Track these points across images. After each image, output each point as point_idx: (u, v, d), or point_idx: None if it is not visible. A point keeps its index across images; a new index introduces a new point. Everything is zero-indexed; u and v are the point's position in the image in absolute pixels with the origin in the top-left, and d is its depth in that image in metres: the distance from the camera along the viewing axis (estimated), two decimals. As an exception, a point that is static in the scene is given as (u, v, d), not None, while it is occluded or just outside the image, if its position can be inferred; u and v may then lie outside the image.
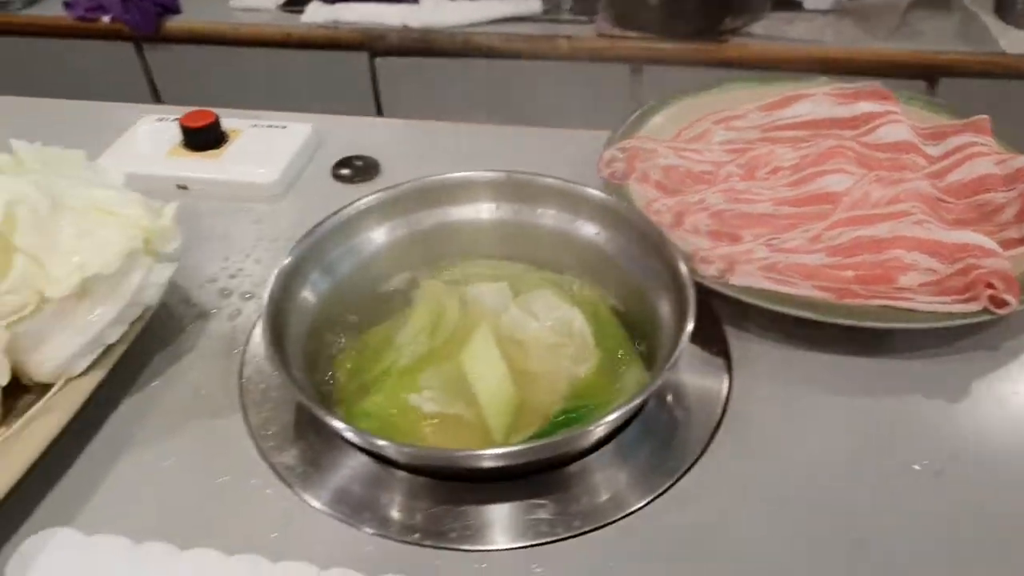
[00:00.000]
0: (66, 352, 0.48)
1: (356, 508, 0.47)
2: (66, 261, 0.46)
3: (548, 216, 0.57)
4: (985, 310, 0.51)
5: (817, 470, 0.47)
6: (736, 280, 0.54)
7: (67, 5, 1.59)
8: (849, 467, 0.47)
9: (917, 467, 0.47)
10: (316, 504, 0.47)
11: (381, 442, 0.45)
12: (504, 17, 1.50)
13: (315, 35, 1.54)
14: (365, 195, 0.55)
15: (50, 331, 0.47)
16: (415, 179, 0.56)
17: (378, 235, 0.57)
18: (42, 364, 0.48)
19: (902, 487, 0.46)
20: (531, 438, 0.51)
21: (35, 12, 1.61)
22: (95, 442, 0.50)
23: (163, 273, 0.51)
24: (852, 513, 0.44)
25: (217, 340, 0.56)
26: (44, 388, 0.51)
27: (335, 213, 0.54)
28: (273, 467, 0.49)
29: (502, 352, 0.56)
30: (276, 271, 0.51)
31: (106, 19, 1.57)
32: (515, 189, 0.57)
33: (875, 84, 0.68)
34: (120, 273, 0.48)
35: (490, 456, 0.46)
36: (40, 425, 0.47)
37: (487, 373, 0.55)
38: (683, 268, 0.51)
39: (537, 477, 0.49)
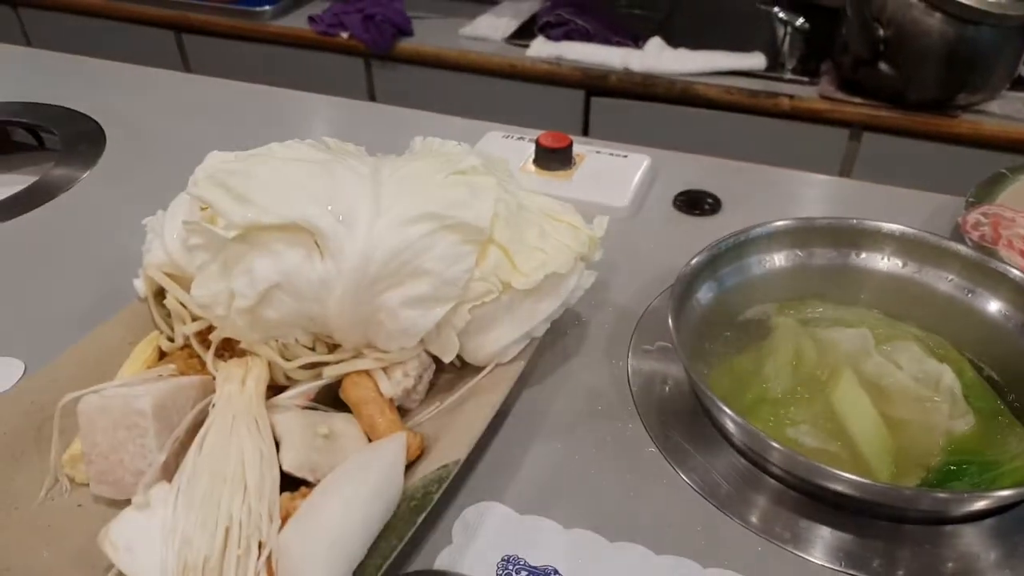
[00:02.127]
0: (505, 340, 0.52)
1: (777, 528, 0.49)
2: (532, 257, 0.51)
3: (941, 279, 0.59)
4: None
5: None
6: None
7: (311, 20, 1.72)
8: None
9: None
10: (739, 522, 0.49)
11: (826, 469, 0.47)
12: (727, 70, 1.54)
13: (538, 69, 1.61)
14: (770, 221, 0.59)
15: (500, 318, 0.52)
16: (825, 216, 0.60)
17: (768, 260, 0.60)
18: (481, 348, 0.53)
19: None
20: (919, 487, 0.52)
21: (282, 23, 1.74)
22: (507, 428, 0.54)
23: (589, 279, 0.55)
24: None
25: (596, 347, 0.60)
26: (456, 370, 0.56)
27: (736, 233, 0.58)
28: (678, 471, 0.51)
29: (869, 396, 0.57)
30: (682, 271, 0.55)
31: (344, 35, 1.68)
32: (916, 246, 0.59)
33: None
34: (567, 276, 0.52)
35: (876, 489, 0.47)
36: (478, 404, 0.52)
37: (860, 415, 0.56)
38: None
39: (904, 526, 0.49)
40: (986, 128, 1.38)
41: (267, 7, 1.73)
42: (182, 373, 0.52)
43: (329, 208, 0.48)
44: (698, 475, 0.52)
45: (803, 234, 0.61)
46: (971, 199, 0.68)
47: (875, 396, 0.58)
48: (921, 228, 0.61)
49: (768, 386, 0.58)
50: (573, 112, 1.64)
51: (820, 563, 0.46)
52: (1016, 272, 0.56)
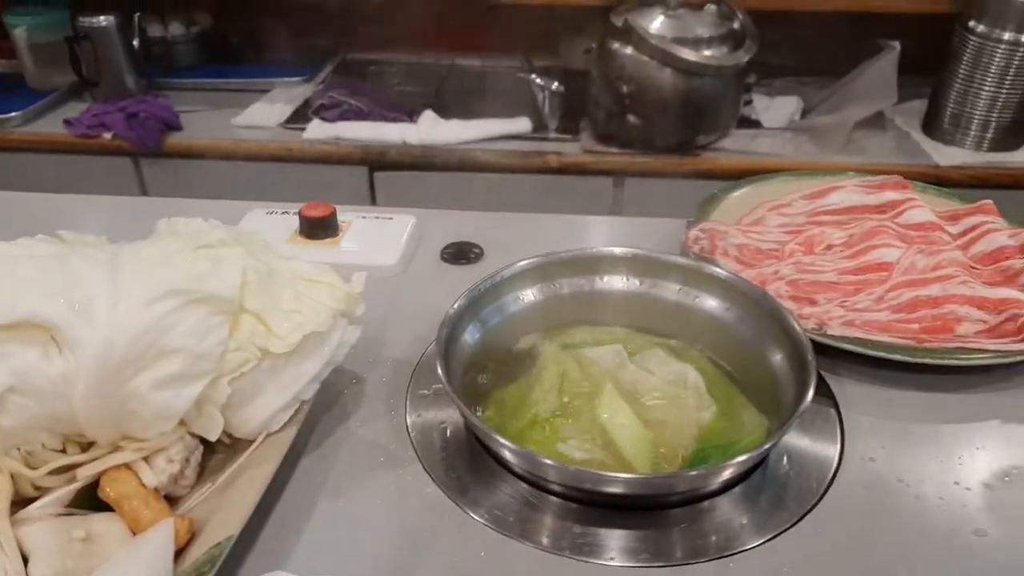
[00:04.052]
0: (272, 408, 0.52)
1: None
2: (289, 320, 0.51)
3: (670, 289, 0.66)
4: (1040, 348, 0.62)
5: (926, 489, 0.55)
6: (832, 331, 0.64)
7: (68, 123, 1.64)
8: (949, 471, 0.56)
9: (1009, 478, 0.56)
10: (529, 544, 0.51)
11: (564, 467, 0.51)
12: (497, 136, 1.64)
13: (316, 150, 1.63)
14: (517, 261, 0.63)
15: (262, 387, 0.52)
16: (567, 250, 0.65)
17: (523, 296, 0.65)
18: (248, 421, 0.52)
19: (1004, 492, 0.54)
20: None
21: (32, 128, 1.65)
22: (288, 494, 0.54)
23: (354, 334, 0.56)
24: (965, 505, 0.53)
25: (375, 401, 0.61)
26: (226, 447, 0.55)
27: (491, 275, 0.62)
28: (462, 507, 0.53)
29: (629, 404, 0.63)
30: (445, 316, 0.58)
31: (107, 136, 1.62)
32: (647, 265, 0.66)
33: (896, 176, 0.82)
34: (327, 334, 0.53)
35: (636, 481, 0.53)
36: (249, 478, 0.51)
37: (621, 422, 0.62)
38: (796, 324, 0.60)
39: (675, 510, 0.55)
40: (722, 162, 1.57)
41: (13, 113, 1.63)
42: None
43: (62, 300, 0.46)
44: (483, 507, 0.54)
45: (550, 268, 0.67)
46: (691, 219, 0.77)
47: (634, 403, 0.64)
48: (654, 248, 0.68)
49: (537, 409, 0.62)
50: (359, 188, 1.67)
51: (610, 564, 0.49)
52: (724, 273, 0.65)
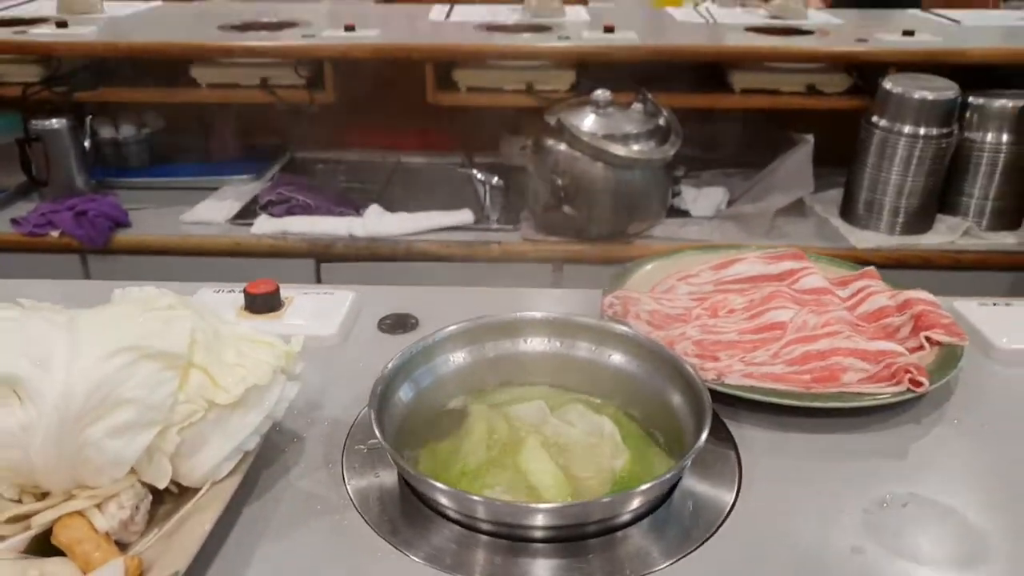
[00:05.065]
0: (217, 457, 0.59)
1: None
2: (233, 374, 0.58)
3: (585, 349, 0.75)
4: (908, 390, 0.72)
5: (812, 515, 0.63)
6: (730, 381, 0.73)
7: (15, 222, 1.70)
8: (833, 500, 0.64)
9: (886, 503, 0.64)
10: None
11: (476, 498, 0.58)
12: (441, 227, 1.75)
13: (263, 244, 1.72)
14: (448, 325, 0.72)
15: (209, 437, 0.58)
16: (492, 315, 0.74)
17: (453, 358, 0.73)
18: (195, 470, 0.58)
19: (880, 515, 0.63)
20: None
21: (-22, 229, 1.70)
22: (231, 540, 0.59)
23: (293, 389, 0.63)
24: (846, 527, 0.61)
25: (313, 456, 0.68)
26: (174, 497, 0.60)
27: (423, 338, 0.70)
28: (398, 548, 0.59)
29: (550, 454, 0.71)
30: (379, 375, 0.65)
31: (55, 234, 1.68)
32: (564, 327, 0.75)
33: (793, 248, 0.94)
34: (268, 387, 0.60)
35: (551, 511, 0.60)
36: (195, 523, 0.56)
37: (542, 471, 0.69)
38: (694, 373, 0.69)
39: (592, 540, 0.61)
40: (654, 248, 1.69)
41: (-40, 213, 1.69)
42: None
43: (23, 357, 0.53)
44: (418, 548, 0.60)
45: (478, 332, 0.75)
46: (606, 288, 0.87)
47: (556, 453, 0.71)
48: (571, 313, 0.77)
49: (467, 461, 0.69)
50: (306, 279, 1.74)
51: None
52: (631, 332, 0.74)
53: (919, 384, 0.72)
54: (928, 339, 0.79)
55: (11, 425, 0.52)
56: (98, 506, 0.55)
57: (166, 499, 0.60)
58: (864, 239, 1.75)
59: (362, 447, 0.69)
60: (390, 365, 0.68)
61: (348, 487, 0.65)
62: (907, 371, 0.73)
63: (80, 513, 0.55)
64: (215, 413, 0.58)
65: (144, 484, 0.58)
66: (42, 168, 1.75)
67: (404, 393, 0.71)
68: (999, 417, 0.75)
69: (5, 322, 0.55)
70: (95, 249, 1.69)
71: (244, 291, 0.83)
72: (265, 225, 1.74)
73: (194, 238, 1.73)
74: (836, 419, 0.73)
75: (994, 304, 0.90)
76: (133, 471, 0.57)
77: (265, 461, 0.66)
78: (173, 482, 0.59)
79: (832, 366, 0.76)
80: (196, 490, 0.59)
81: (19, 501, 0.55)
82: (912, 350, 0.79)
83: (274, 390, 0.61)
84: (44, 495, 0.56)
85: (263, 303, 0.82)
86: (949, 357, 0.77)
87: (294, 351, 0.64)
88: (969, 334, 0.82)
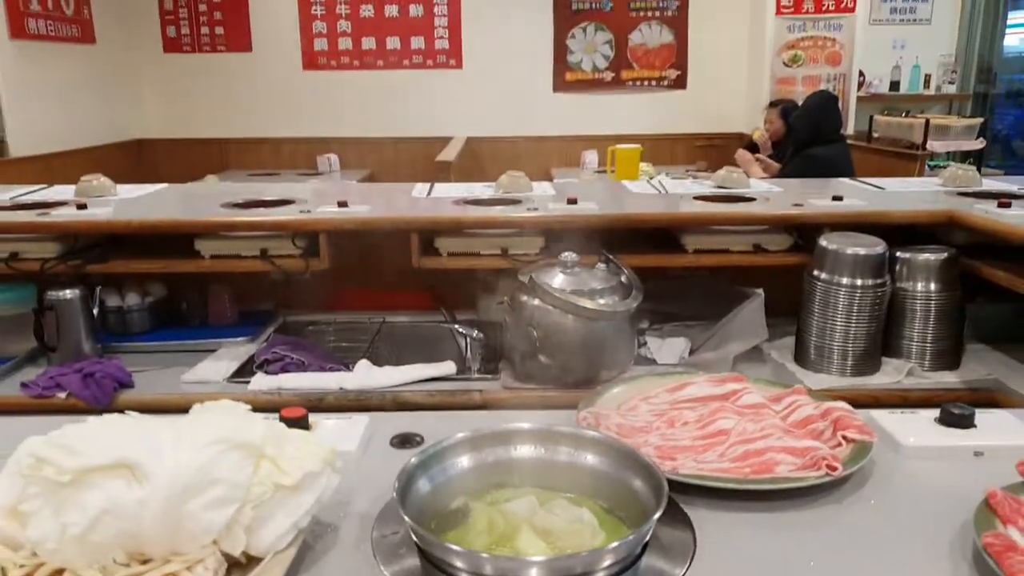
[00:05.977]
0: (280, 530, 0.78)
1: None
2: (292, 463, 0.78)
3: (565, 452, 0.96)
4: (826, 474, 0.93)
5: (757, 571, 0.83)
6: (683, 471, 0.94)
7: (24, 385, 1.88)
8: (771, 562, 0.83)
9: (812, 563, 0.84)
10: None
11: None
12: (426, 378, 1.97)
13: (260, 400, 1.91)
14: (451, 436, 0.93)
15: (275, 513, 0.77)
16: (489, 428, 0.95)
17: (457, 462, 0.93)
18: (262, 541, 0.77)
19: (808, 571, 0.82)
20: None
21: (-11, 393, 1.88)
22: (288, 601, 0.77)
23: (335, 479, 0.83)
24: (786, 581, 0.80)
25: (347, 540, 0.86)
26: (242, 567, 0.78)
27: (434, 443, 0.91)
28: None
29: (542, 540, 0.90)
30: (402, 468, 0.85)
31: (62, 395, 1.86)
32: (548, 435, 0.96)
33: (734, 374, 1.17)
34: (319, 474, 0.80)
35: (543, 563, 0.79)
36: (264, 581, 0.75)
37: (536, 551, 0.88)
38: (655, 464, 0.90)
39: None
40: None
41: (-26, 380, 1.87)
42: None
43: (140, 446, 0.73)
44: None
45: (477, 441, 0.96)
46: (582, 406, 1.09)
47: (545, 537, 0.90)
48: (553, 425, 0.99)
49: (473, 546, 0.88)
50: (298, 434, 1.92)
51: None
52: (601, 435, 0.96)
53: (834, 468, 0.94)
54: (844, 437, 1.02)
55: (130, 500, 0.71)
56: (188, 568, 0.73)
57: (233, 570, 0.78)
58: (817, 381, 1.99)
59: (386, 533, 0.88)
60: (412, 460, 0.88)
61: (377, 559, 0.83)
62: (825, 459, 0.94)
63: (175, 575, 0.73)
64: (280, 494, 0.78)
65: (222, 553, 0.76)
66: (53, 335, 1.96)
67: (423, 484, 0.90)
68: (904, 499, 0.97)
69: (124, 422, 0.76)
70: (100, 409, 1.87)
71: (280, 416, 1.04)
72: (261, 382, 1.94)
73: (193, 396, 1.91)
74: (773, 501, 0.94)
75: (902, 412, 1.14)
76: (215, 541, 0.75)
77: (309, 545, 0.84)
78: (243, 553, 0.77)
79: (767, 460, 0.98)
80: (259, 560, 0.77)
81: (127, 565, 0.73)
82: (832, 447, 1.01)
83: (322, 478, 0.81)
84: (146, 561, 0.74)
85: (296, 424, 1.03)
86: (861, 450, 1.00)
87: (336, 450, 0.84)
88: (881, 436, 1.05)
